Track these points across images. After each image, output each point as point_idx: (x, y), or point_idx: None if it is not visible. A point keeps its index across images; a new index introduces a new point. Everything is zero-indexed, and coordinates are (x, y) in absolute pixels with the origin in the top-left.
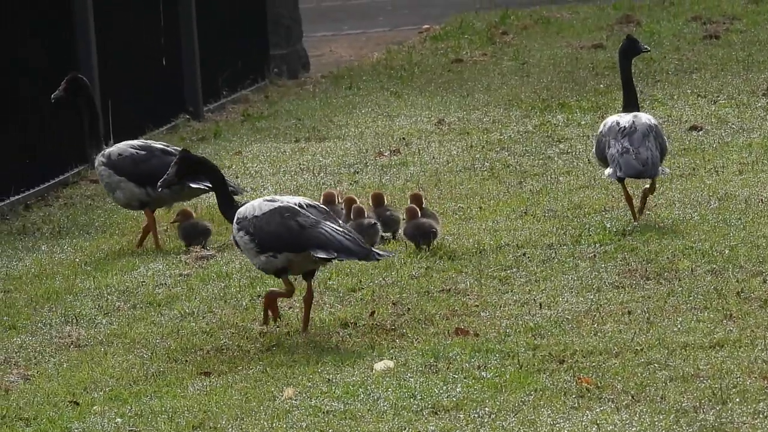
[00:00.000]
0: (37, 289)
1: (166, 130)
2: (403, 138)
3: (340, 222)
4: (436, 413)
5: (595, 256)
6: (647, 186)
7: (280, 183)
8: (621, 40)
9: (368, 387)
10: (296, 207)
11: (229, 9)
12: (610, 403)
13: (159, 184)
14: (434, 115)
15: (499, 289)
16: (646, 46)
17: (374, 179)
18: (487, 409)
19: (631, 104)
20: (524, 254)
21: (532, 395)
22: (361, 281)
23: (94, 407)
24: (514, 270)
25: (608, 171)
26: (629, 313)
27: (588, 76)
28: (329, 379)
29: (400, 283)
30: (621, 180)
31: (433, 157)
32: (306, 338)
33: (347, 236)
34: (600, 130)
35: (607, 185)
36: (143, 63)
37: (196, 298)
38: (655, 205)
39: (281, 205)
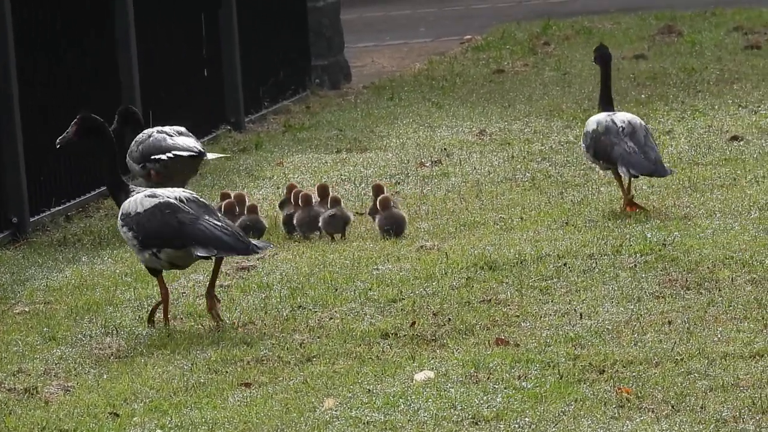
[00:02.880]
0: (78, 300)
1: (208, 141)
2: (445, 148)
3: (219, 215)
4: (476, 424)
5: (635, 266)
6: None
7: None
8: (663, 50)
9: (409, 397)
10: (176, 202)
11: (270, 20)
12: (650, 413)
13: (57, 141)
14: (476, 125)
15: (540, 300)
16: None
17: (416, 190)
18: (527, 419)
19: (608, 102)
20: (565, 264)
21: (572, 405)
22: (401, 291)
23: (134, 418)
24: (555, 280)
25: (621, 170)
26: (669, 323)
27: (629, 86)
28: (369, 390)
29: (440, 293)
30: (634, 177)
31: (475, 168)
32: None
33: (225, 231)
34: (592, 129)
35: (647, 196)
36: (184, 74)
37: (236, 309)
38: (695, 216)
39: (161, 201)
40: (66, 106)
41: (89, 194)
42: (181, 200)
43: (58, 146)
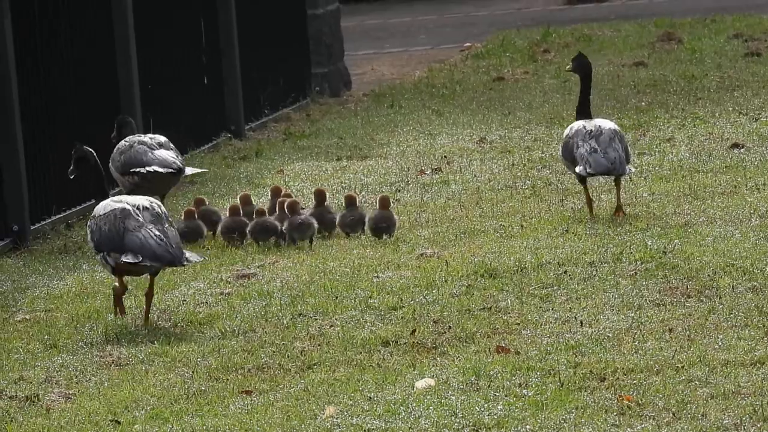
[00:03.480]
0: (78, 308)
1: (208, 149)
2: (445, 156)
3: (166, 226)
4: (477, 431)
5: (636, 273)
6: (615, 187)
7: None
8: (663, 57)
9: (409, 405)
10: (131, 209)
11: (270, 27)
12: (651, 420)
13: (69, 174)
14: (476, 133)
15: (540, 307)
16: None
17: (416, 198)
18: (528, 427)
19: (586, 113)
20: (565, 272)
21: (573, 413)
22: (402, 299)
23: (136, 426)
24: (555, 288)
25: (578, 168)
26: (670, 330)
27: (629, 93)
28: (370, 398)
29: (441, 301)
30: (590, 176)
31: (475, 176)
32: (148, 328)
33: (160, 241)
34: (566, 133)
35: (648, 203)
36: (184, 82)
37: (236, 317)
38: (696, 223)
39: (119, 207)
40: (66, 114)
41: (90, 202)
42: (137, 207)
43: (72, 178)
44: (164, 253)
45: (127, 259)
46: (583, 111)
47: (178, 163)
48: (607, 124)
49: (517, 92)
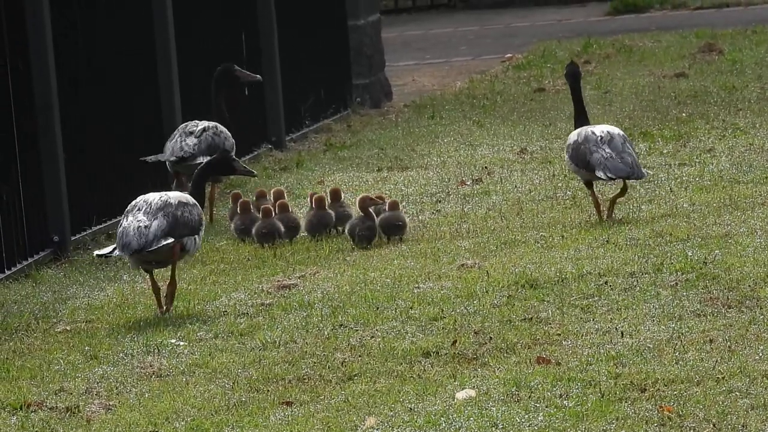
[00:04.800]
0: (119, 318)
1: (249, 159)
2: (486, 167)
3: (158, 215)
4: None
5: (676, 284)
6: (618, 192)
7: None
8: (704, 68)
9: (450, 416)
10: (138, 203)
11: (311, 39)
12: (691, 431)
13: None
14: (516, 144)
15: (581, 318)
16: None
17: (456, 208)
18: None
19: (583, 120)
20: (606, 283)
21: (613, 424)
22: (442, 310)
23: None
24: (596, 298)
25: (598, 173)
26: (711, 341)
27: (670, 104)
28: (411, 409)
29: (481, 311)
30: (610, 180)
31: (516, 186)
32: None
33: (133, 231)
34: (573, 140)
35: (688, 214)
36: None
37: (277, 328)
38: (736, 234)
39: (135, 200)
40: (107, 125)
41: None
42: (145, 202)
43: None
44: (134, 242)
45: (98, 252)
46: (581, 120)
47: (183, 153)
48: (615, 130)
49: (558, 103)
